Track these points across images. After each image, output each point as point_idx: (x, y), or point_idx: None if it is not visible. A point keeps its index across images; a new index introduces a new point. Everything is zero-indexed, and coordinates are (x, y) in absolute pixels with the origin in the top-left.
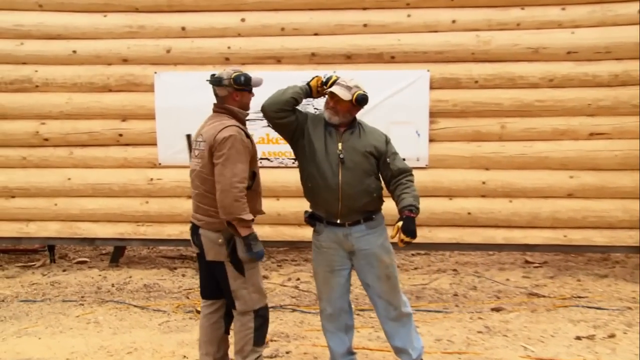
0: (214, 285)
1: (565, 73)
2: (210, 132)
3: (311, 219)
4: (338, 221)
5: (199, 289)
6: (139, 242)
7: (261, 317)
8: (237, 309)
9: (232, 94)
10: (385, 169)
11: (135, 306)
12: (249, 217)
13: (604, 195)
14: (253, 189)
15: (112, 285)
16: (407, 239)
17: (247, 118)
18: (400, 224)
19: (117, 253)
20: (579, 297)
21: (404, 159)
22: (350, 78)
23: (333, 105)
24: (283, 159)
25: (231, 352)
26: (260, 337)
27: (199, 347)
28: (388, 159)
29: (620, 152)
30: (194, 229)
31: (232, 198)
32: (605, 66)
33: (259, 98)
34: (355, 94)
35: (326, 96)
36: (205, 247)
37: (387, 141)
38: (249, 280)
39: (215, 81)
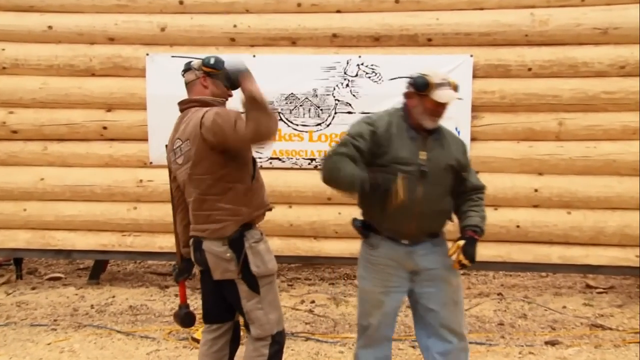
0: (222, 308)
1: None
2: (190, 128)
3: (365, 229)
4: (404, 242)
5: (202, 314)
6: (125, 255)
7: (277, 344)
8: (251, 334)
9: (200, 79)
10: (459, 184)
11: (118, 332)
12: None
13: None
14: (256, 177)
15: (91, 306)
16: (465, 262)
17: None
18: (461, 242)
19: (98, 268)
20: None
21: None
22: (431, 71)
23: (441, 111)
24: (297, 159)
25: None
26: None
27: None
28: (464, 174)
29: None
30: (196, 244)
31: (270, 120)
32: None
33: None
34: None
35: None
36: (211, 265)
37: (466, 151)
38: (265, 298)
39: (185, 68)
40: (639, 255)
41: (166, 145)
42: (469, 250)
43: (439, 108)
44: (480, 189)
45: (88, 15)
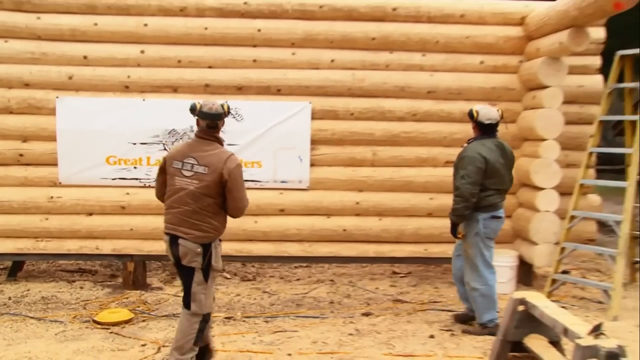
0: None
1: (426, 109)
2: (213, 160)
3: None
4: None
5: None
6: (38, 256)
7: (205, 322)
8: (190, 310)
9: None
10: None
11: (32, 318)
12: None
13: None
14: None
15: (9, 298)
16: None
17: (145, 141)
18: None
19: (16, 267)
20: (435, 302)
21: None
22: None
23: None
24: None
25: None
26: (199, 338)
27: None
28: None
29: None
30: (173, 240)
31: (245, 208)
32: (457, 105)
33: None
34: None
35: None
36: (182, 254)
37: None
38: (209, 288)
39: (214, 116)
40: (427, 249)
41: (166, 158)
42: None
43: None
44: (455, 189)
45: (7, 65)
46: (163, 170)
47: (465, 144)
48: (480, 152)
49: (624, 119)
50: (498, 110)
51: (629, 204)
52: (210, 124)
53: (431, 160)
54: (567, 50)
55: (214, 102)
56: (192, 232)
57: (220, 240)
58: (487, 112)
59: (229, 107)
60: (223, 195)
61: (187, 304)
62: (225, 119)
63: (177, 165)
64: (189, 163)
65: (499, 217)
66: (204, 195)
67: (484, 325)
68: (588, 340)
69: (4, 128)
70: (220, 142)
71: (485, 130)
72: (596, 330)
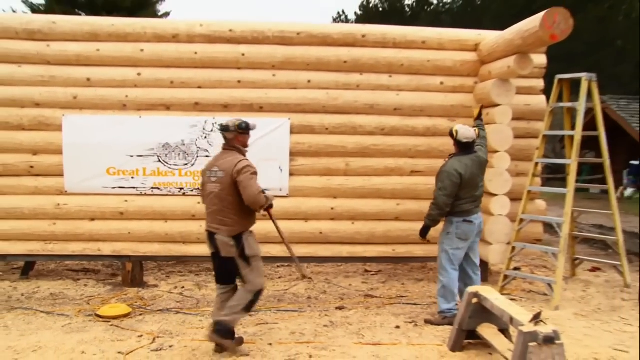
0: (227, 275)
1: (393, 125)
2: (227, 165)
3: None
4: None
5: (215, 277)
6: (47, 257)
7: (257, 296)
8: (245, 289)
9: (237, 136)
10: None
11: (41, 312)
12: (268, 200)
13: (422, 219)
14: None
15: (22, 294)
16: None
17: (141, 154)
18: None
19: (28, 267)
20: (402, 296)
21: (264, 191)
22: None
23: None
24: (171, 189)
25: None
26: (249, 307)
27: (214, 312)
28: None
29: (433, 185)
30: (211, 235)
31: (258, 200)
32: (421, 121)
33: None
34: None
35: None
36: (221, 247)
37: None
38: (255, 270)
39: (224, 128)
40: (395, 250)
41: (202, 171)
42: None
43: None
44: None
45: (20, 87)
46: (203, 181)
47: (447, 159)
48: (456, 169)
49: (563, 134)
50: (475, 129)
51: (569, 208)
52: (224, 135)
53: (398, 170)
54: (514, 73)
55: (232, 119)
56: (220, 227)
57: (252, 232)
58: (465, 131)
59: (246, 123)
60: (239, 193)
61: (219, 281)
62: (245, 134)
63: (207, 175)
64: (213, 171)
65: (471, 222)
66: (225, 195)
67: (443, 314)
68: (529, 327)
69: (17, 143)
70: (239, 151)
71: (463, 147)
72: (536, 319)
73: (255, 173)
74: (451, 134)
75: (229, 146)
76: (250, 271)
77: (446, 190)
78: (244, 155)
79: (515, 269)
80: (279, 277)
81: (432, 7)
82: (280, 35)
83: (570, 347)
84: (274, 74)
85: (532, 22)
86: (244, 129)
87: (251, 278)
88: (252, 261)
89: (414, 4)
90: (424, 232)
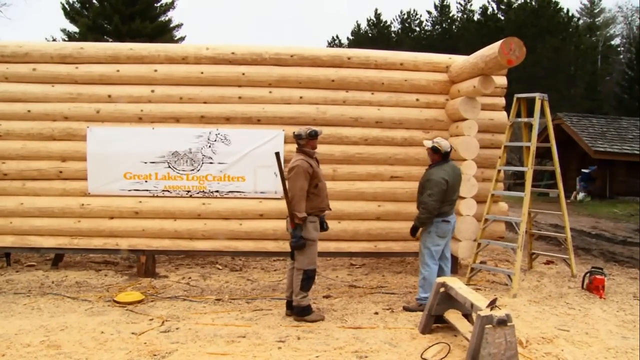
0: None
1: (375, 135)
2: (291, 163)
3: None
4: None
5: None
6: (73, 251)
7: (306, 274)
8: (296, 267)
9: (308, 141)
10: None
11: (68, 297)
12: (302, 215)
13: (400, 218)
14: (316, 193)
15: (52, 282)
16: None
17: (154, 161)
18: None
19: (57, 259)
20: (382, 287)
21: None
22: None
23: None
24: (179, 191)
25: None
26: (304, 286)
27: (286, 287)
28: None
29: (410, 189)
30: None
31: (296, 201)
32: (399, 132)
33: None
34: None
35: None
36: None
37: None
38: (305, 252)
39: (298, 136)
40: (376, 246)
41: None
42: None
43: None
44: (421, 203)
45: (53, 104)
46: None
47: (428, 168)
48: (443, 177)
49: (520, 145)
50: (447, 139)
51: (525, 209)
52: (296, 141)
53: (379, 176)
54: (479, 92)
55: (303, 128)
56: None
57: (316, 218)
58: (445, 143)
59: (315, 131)
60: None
61: (292, 256)
62: (314, 139)
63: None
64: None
65: (448, 221)
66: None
67: (420, 301)
68: (486, 312)
69: (49, 151)
70: (304, 152)
71: (444, 157)
72: (492, 304)
73: (301, 174)
74: (435, 150)
75: (298, 149)
76: (301, 253)
77: (436, 196)
78: (310, 156)
79: (482, 262)
80: (275, 270)
81: (414, 34)
82: (276, 57)
83: (523, 328)
84: (270, 91)
85: (491, 49)
86: (313, 136)
87: (299, 258)
88: (308, 245)
89: (399, 30)
90: (413, 231)
